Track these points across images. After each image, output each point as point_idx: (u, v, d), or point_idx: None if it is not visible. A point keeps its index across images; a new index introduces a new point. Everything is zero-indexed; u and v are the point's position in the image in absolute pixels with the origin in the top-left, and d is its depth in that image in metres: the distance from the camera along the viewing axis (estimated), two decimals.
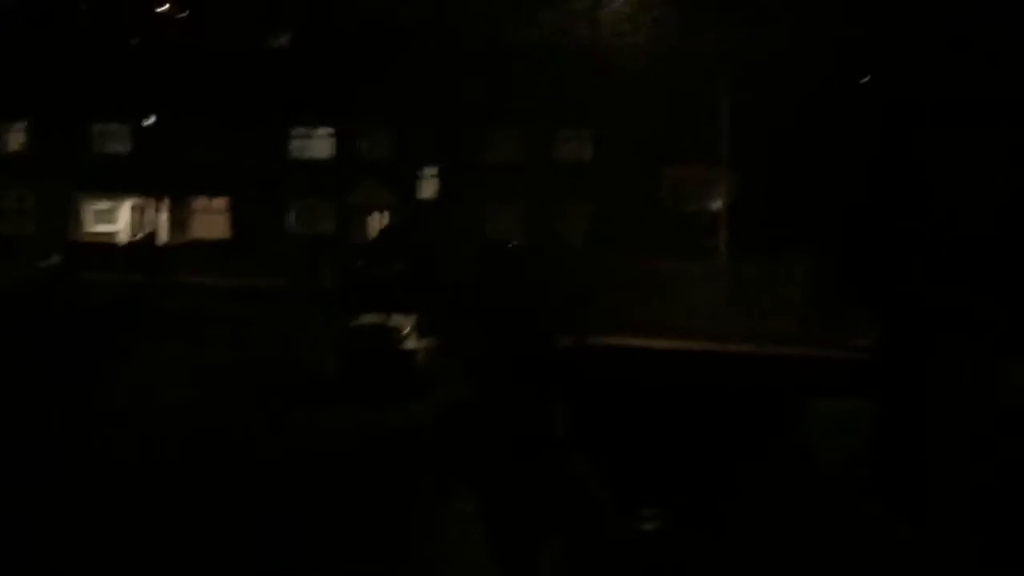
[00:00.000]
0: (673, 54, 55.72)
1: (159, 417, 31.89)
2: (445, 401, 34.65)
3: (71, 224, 61.31)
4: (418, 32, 58.67)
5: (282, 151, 61.57)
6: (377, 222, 60.49)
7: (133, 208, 61.60)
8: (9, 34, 59.20)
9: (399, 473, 27.99)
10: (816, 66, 52.95)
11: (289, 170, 61.19)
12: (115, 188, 60.84)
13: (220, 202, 61.79)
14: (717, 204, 47.70)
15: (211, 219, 61.43)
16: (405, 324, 37.11)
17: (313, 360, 37.92)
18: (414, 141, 60.70)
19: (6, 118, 61.49)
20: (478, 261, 48.53)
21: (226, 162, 60.50)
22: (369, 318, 37.44)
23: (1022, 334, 29.79)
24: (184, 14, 60.51)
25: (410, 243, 53.16)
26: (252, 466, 28.08)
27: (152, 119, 59.38)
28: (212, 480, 26.87)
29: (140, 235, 59.77)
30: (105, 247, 57.81)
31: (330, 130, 61.76)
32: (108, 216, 61.83)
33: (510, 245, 55.17)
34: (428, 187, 61.48)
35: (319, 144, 62.07)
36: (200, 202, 61.88)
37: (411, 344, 36.71)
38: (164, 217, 57.06)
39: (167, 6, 59.36)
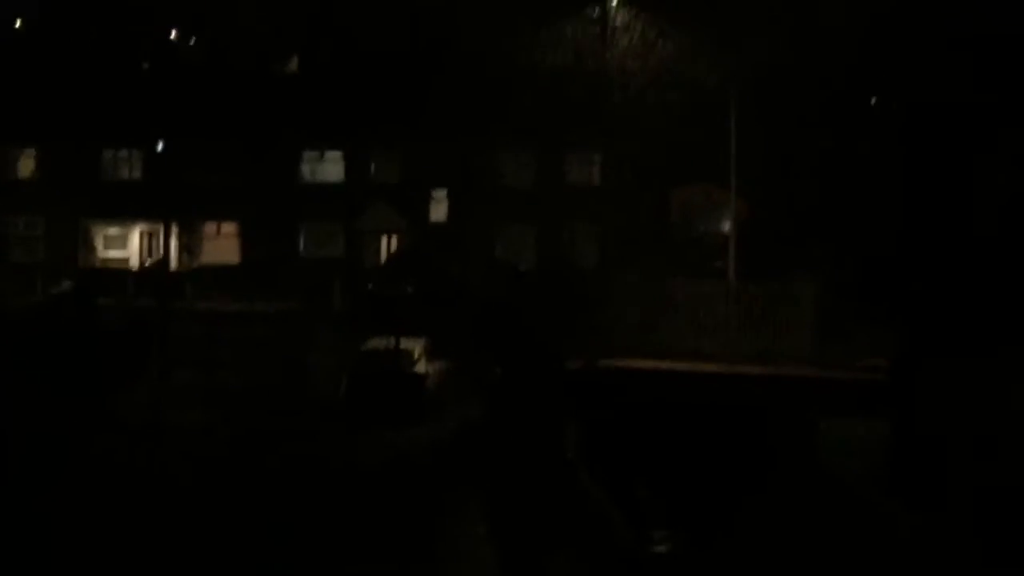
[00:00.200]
0: (681, 77, 55.93)
1: (171, 440, 31.97)
2: (456, 423, 34.70)
3: (82, 250, 61.51)
4: (428, 56, 58.89)
5: (292, 175, 61.76)
6: (387, 245, 60.58)
7: (143, 234, 61.79)
8: (20, 60, 59.47)
9: (411, 494, 28.04)
10: (823, 88, 53.13)
11: (299, 194, 61.35)
12: (125, 214, 61.03)
13: (230, 227, 61.97)
14: (726, 225, 47.74)
15: (221, 244, 61.61)
16: (416, 347, 37.17)
17: (325, 383, 37.96)
18: (424, 164, 60.85)
19: (17, 145, 61.75)
20: (488, 284, 48.58)
21: (236, 187, 60.69)
22: (380, 341, 37.50)
23: None
24: (194, 40, 60.76)
25: (420, 266, 53.23)
26: (265, 488, 28.16)
27: (162, 144, 59.55)
28: (224, 501, 26.95)
29: (150, 260, 59.89)
30: (116, 273, 57.92)
31: (340, 153, 61.93)
32: (118, 242, 62.03)
33: (520, 267, 55.24)
34: (438, 210, 61.61)
35: (329, 167, 62.25)
36: (210, 227, 62.08)
37: (422, 367, 36.76)
38: (174, 242, 57.17)
39: (177, 32, 59.59)
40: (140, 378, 37.76)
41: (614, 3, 59.80)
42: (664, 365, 35.05)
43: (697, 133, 51.74)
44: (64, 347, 36.85)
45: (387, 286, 50.21)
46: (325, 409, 35.93)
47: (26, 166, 62.38)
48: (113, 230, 62.03)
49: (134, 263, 61.00)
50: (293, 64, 64.64)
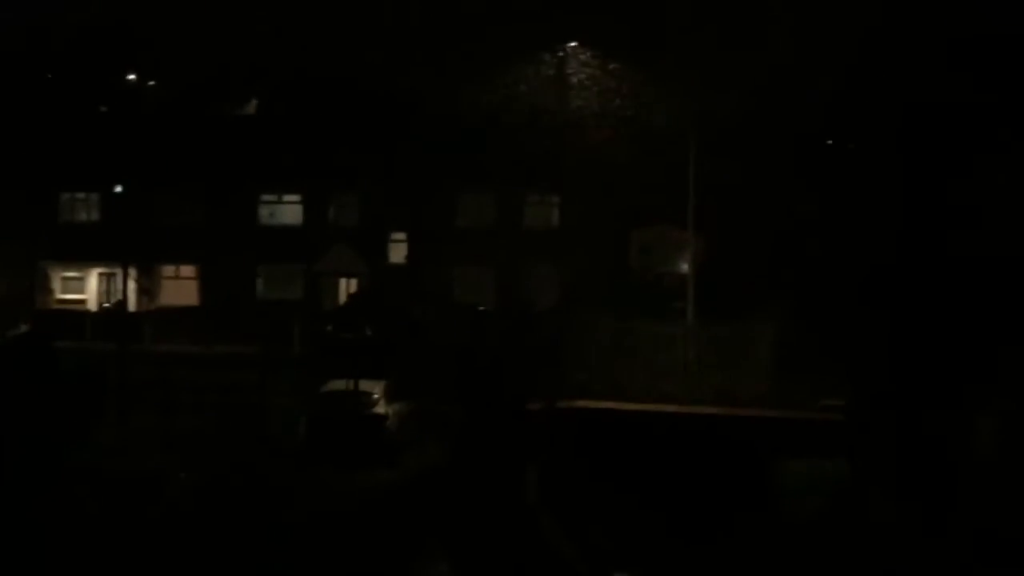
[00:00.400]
0: (639, 119, 56.29)
1: (129, 484, 31.76)
2: (417, 465, 34.63)
3: (39, 292, 61.19)
4: (387, 100, 59.06)
5: (251, 218, 61.68)
6: (346, 287, 60.56)
7: (101, 276, 61.55)
8: None
9: (372, 536, 27.96)
10: (783, 130, 53.55)
11: (258, 236, 61.27)
12: (83, 256, 60.81)
13: (189, 269, 61.81)
14: (685, 266, 47.96)
15: (180, 286, 61.43)
16: (376, 389, 37.11)
17: (284, 426, 37.82)
18: (383, 207, 60.90)
19: None
20: (448, 326, 48.60)
21: (195, 229, 60.57)
22: (339, 383, 37.42)
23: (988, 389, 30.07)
24: (152, 83, 60.74)
25: (379, 308, 53.20)
26: (225, 532, 28.01)
27: (120, 187, 59.41)
28: (182, 548, 26.79)
29: (109, 303, 59.63)
30: (74, 315, 57.63)
31: (299, 196, 61.92)
32: (77, 284, 61.76)
33: (479, 309, 55.28)
34: (397, 252, 61.63)
35: (288, 210, 62.21)
36: (169, 269, 61.91)
37: (382, 408, 36.69)
38: (133, 284, 56.96)
39: (135, 75, 59.55)
40: (97, 423, 37.52)
41: (572, 47, 60.20)
42: (623, 406, 35.15)
43: (655, 174, 52.05)
44: (20, 390, 36.60)
45: (346, 328, 50.17)
46: (285, 452, 35.77)
47: None
48: (71, 272, 61.76)
49: (92, 305, 60.72)
50: (251, 107, 64.73)
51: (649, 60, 56.19)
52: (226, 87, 62.96)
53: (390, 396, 37.52)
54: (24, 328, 51.47)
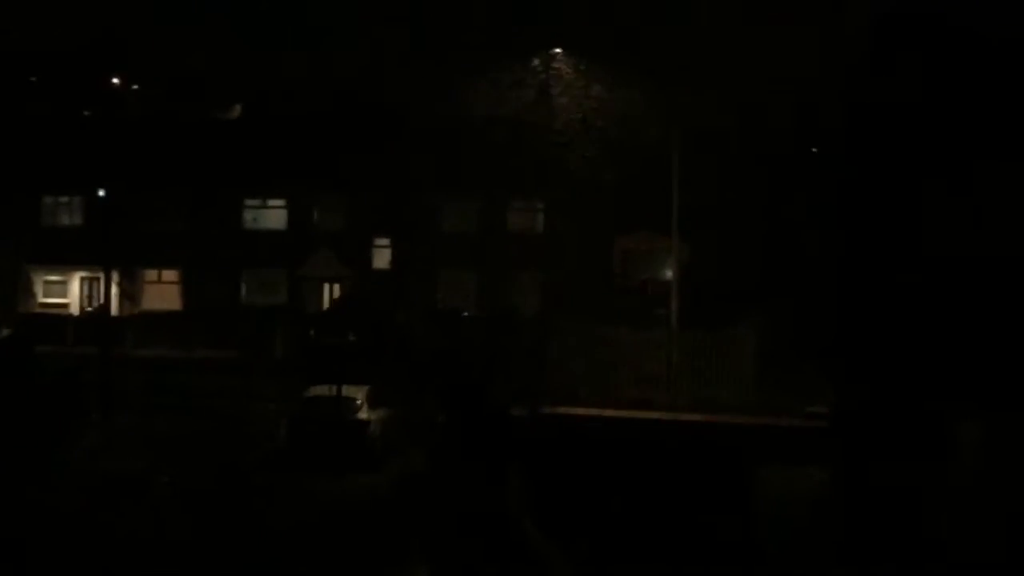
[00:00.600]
0: (623, 126, 56.34)
1: (110, 489, 31.68)
2: (399, 471, 34.59)
3: (21, 296, 61.03)
4: (371, 105, 59.06)
5: (235, 222, 61.60)
6: (330, 292, 60.52)
7: (84, 280, 61.40)
8: None
9: (352, 542, 27.91)
10: (765, 137, 53.62)
11: (242, 241, 61.18)
12: (66, 260, 60.66)
13: (172, 273, 61.69)
14: (668, 274, 48.01)
15: (163, 290, 61.33)
16: (358, 394, 37.04)
17: (266, 430, 37.75)
18: (367, 212, 60.87)
19: None
20: (430, 331, 48.57)
21: (178, 233, 60.48)
22: (321, 389, 37.35)
23: (973, 397, 30.08)
24: (135, 87, 60.62)
25: (363, 313, 53.15)
26: (205, 536, 27.93)
27: (103, 191, 59.30)
28: (163, 551, 26.71)
29: (91, 307, 59.49)
30: (56, 319, 57.50)
31: (283, 201, 61.86)
32: (59, 288, 61.61)
33: (463, 314, 55.27)
34: (381, 257, 61.59)
35: (272, 215, 62.15)
36: (151, 273, 61.78)
37: (364, 414, 36.63)
38: (115, 289, 56.87)
39: (118, 79, 59.42)
40: (79, 426, 37.42)
41: (557, 54, 60.25)
42: (607, 412, 35.12)
43: (639, 180, 52.11)
44: (1, 394, 36.49)
45: (329, 334, 50.10)
46: (266, 456, 35.72)
47: None
48: (53, 276, 61.61)
49: (74, 309, 60.57)
50: (236, 112, 64.68)
51: (633, 66, 56.25)
52: (210, 91, 62.89)
53: (373, 401, 37.46)
54: (5, 332, 51.33)
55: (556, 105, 59.87)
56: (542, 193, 60.48)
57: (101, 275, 53.78)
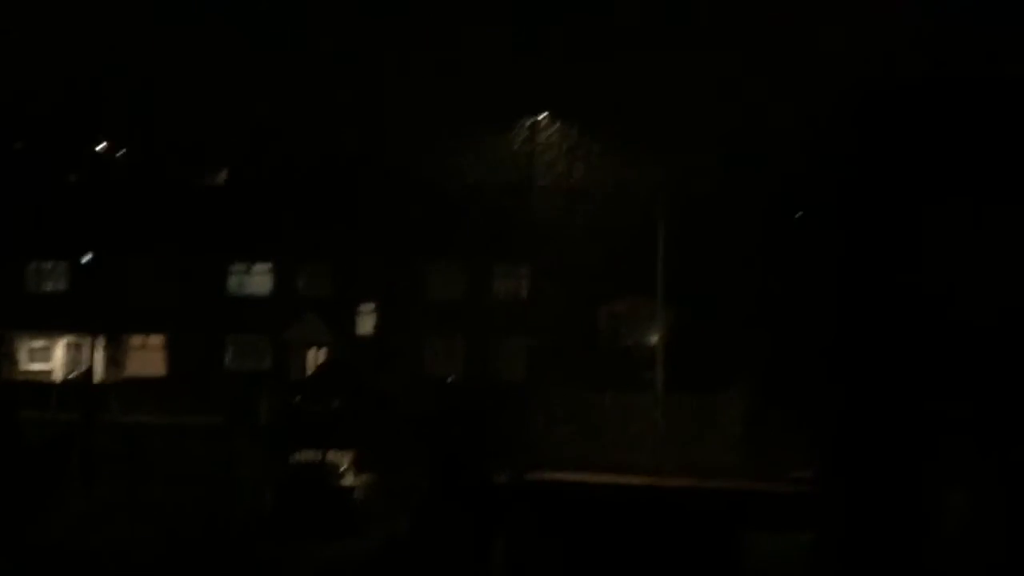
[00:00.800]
0: (608, 193, 56.53)
1: (95, 555, 31.47)
2: (383, 536, 34.41)
3: (4, 363, 60.73)
4: (357, 170, 59.21)
5: (220, 287, 61.49)
6: (315, 358, 60.35)
7: (68, 345, 61.17)
8: None
9: None
10: (749, 203, 53.80)
11: (226, 306, 61.05)
12: (50, 326, 60.45)
13: (156, 339, 61.49)
14: (653, 338, 47.99)
15: (147, 356, 61.08)
16: (342, 461, 36.94)
17: (251, 497, 37.56)
18: (352, 277, 60.84)
19: None
20: (416, 397, 48.44)
21: (163, 298, 60.33)
22: (306, 455, 37.24)
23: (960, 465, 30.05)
24: (121, 152, 60.71)
25: (347, 379, 53.00)
26: None
27: (88, 256, 59.24)
28: None
29: (75, 373, 59.25)
30: (39, 386, 57.20)
31: (268, 266, 61.81)
32: (43, 354, 61.33)
33: (448, 380, 55.15)
34: (366, 322, 61.49)
35: (257, 280, 62.07)
36: (136, 339, 61.56)
37: (348, 480, 36.51)
38: (100, 354, 56.66)
39: (104, 145, 59.55)
40: (63, 494, 37.18)
41: (543, 118, 60.51)
42: (592, 478, 35.03)
43: (625, 245, 52.20)
44: None
45: (314, 400, 49.94)
46: (252, 523, 35.51)
47: None
48: (37, 342, 61.34)
49: (58, 375, 60.30)
50: (221, 177, 64.76)
51: (623, 130, 56.51)
52: (196, 157, 62.98)
53: (358, 467, 37.35)
54: None
55: (542, 169, 60.06)
56: (528, 258, 60.50)
57: (86, 341, 53.77)
